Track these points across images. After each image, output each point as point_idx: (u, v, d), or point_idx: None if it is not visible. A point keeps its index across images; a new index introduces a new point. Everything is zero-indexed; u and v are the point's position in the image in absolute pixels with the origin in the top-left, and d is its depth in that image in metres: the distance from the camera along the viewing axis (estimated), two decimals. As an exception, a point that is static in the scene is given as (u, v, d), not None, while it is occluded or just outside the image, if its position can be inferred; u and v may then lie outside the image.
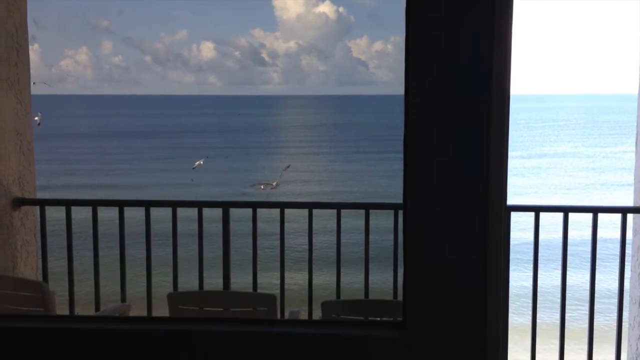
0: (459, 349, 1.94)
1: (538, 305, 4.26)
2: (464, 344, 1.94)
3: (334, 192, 27.41)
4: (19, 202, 4.38)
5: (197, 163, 27.77)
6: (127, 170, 34.28)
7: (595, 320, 4.23)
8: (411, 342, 1.95)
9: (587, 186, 31.05)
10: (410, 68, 1.85)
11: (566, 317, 4.24)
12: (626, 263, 4.19)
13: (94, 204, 4.47)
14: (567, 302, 4.25)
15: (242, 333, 2.06)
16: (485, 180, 1.84)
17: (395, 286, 4.29)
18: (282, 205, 4.41)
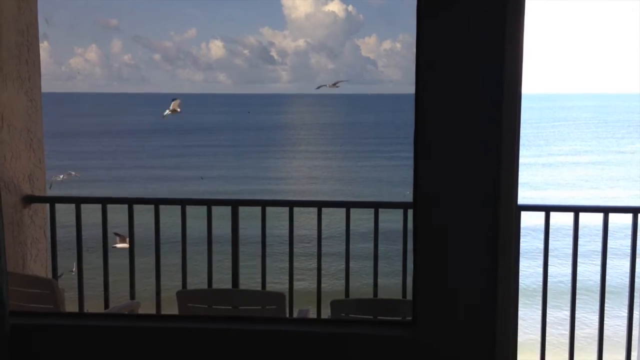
0: (468, 348, 1.93)
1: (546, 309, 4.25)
2: (473, 342, 1.93)
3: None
4: (29, 200, 4.40)
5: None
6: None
7: (604, 322, 4.20)
8: (420, 341, 1.94)
9: (599, 185, 30.88)
10: (421, 67, 1.84)
11: (575, 321, 4.22)
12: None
13: (104, 201, 4.48)
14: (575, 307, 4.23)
15: (251, 331, 2.05)
16: (496, 180, 1.83)
17: (404, 285, 4.28)
18: (291, 204, 4.42)
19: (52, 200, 4.51)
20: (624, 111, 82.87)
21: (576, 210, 4.11)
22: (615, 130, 59.69)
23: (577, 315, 4.23)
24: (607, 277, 4.19)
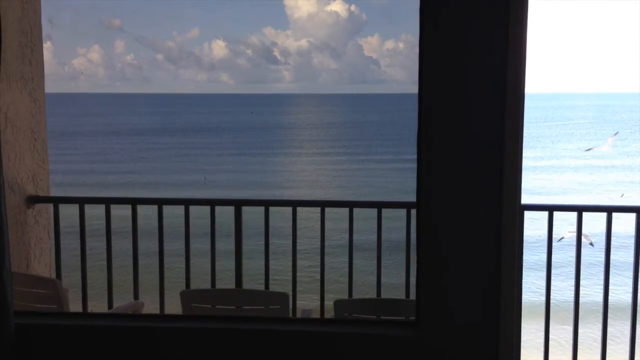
0: (471, 348, 1.93)
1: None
2: (476, 342, 1.93)
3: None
4: (33, 200, 4.41)
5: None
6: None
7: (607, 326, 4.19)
8: (423, 341, 1.94)
9: (603, 185, 30.79)
10: (424, 67, 1.84)
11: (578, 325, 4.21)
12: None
13: (107, 202, 4.48)
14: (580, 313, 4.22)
15: (255, 331, 2.06)
16: (499, 179, 1.83)
17: (407, 285, 4.28)
18: (295, 204, 4.43)
19: (56, 201, 4.52)
20: (626, 110, 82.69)
21: (579, 209, 4.11)
22: (619, 129, 59.51)
23: (579, 318, 4.22)
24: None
